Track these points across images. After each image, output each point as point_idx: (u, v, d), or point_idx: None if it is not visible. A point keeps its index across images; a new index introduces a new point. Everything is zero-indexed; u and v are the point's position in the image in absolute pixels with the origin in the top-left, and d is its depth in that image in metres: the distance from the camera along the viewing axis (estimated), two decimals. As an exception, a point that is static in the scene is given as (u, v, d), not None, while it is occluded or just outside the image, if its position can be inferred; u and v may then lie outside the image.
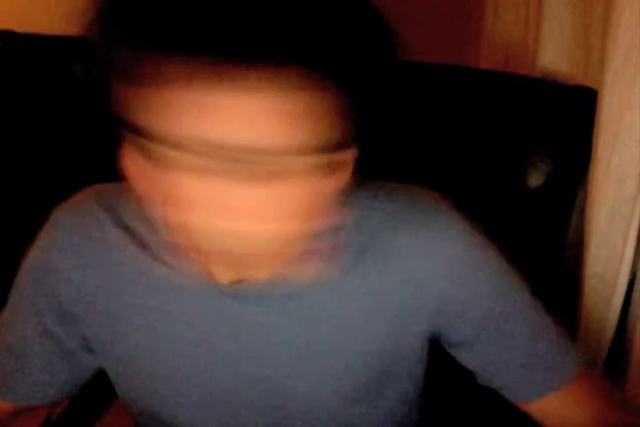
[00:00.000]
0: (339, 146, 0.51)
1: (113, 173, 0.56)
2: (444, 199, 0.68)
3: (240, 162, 0.48)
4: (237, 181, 0.49)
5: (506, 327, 0.68)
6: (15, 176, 1.08)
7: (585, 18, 0.89)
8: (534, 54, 0.96)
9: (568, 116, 0.86)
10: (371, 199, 0.67)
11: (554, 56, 0.94)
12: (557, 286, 0.91)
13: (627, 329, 0.92)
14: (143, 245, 0.68)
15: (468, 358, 0.71)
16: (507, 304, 0.68)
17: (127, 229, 0.69)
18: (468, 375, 0.74)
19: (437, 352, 0.73)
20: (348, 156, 0.54)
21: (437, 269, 0.66)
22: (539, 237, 0.88)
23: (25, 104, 1.07)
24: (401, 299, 0.67)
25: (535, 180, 0.85)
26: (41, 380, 0.75)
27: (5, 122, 1.07)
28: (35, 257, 0.73)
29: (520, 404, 0.72)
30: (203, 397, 0.72)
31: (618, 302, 0.89)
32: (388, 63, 0.52)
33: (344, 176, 0.56)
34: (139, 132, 0.48)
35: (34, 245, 0.73)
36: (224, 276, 0.66)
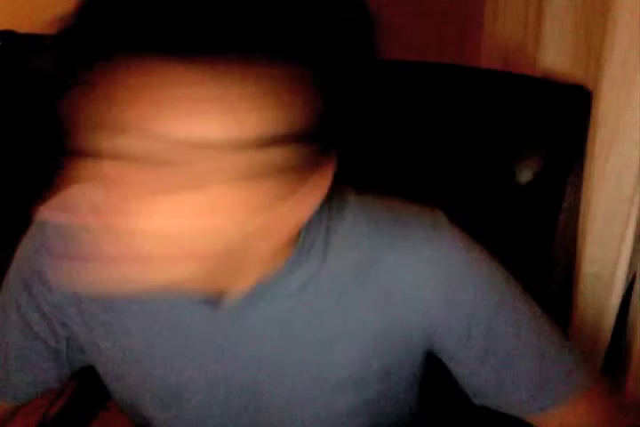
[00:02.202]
0: (282, 140, 0.48)
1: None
2: (442, 216, 0.67)
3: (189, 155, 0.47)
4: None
5: (509, 343, 0.67)
6: (14, 176, 1.08)
7: (585, 17, 0.89)
8: (534, 54, 0.96)
9: (560, 114, 0.86)
10: (366, 213, 0.66)
11: (554, 56, 0.94)
12: (547, 283, 0.91)
13: (626, 330, 0.91)
14: None
15: (469, 375, 0.69)
16: (509, 319, 0.67)
17: None
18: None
19: (433, 363, 0.72)
20: (295, 157, 0.50)
21: (436, 287, 0.65)
22: (528, 234, 0.88)
23: (25, 104, 1.07)
24: (397, 315, 0.66)
25: (525, 177, 0.85)
26: (27, 379, 0.75)
27: (5, 121, 1.07)
28: (23, 258, 0.72)
29: (529, 417, 0.70)
30: (196, 401, 0.72)
31: (615, 302, 0.89)
32: (355, 53, 0.50)
33: (291, 183, 0.52)
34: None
35: (22, 245, 0.72)
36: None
